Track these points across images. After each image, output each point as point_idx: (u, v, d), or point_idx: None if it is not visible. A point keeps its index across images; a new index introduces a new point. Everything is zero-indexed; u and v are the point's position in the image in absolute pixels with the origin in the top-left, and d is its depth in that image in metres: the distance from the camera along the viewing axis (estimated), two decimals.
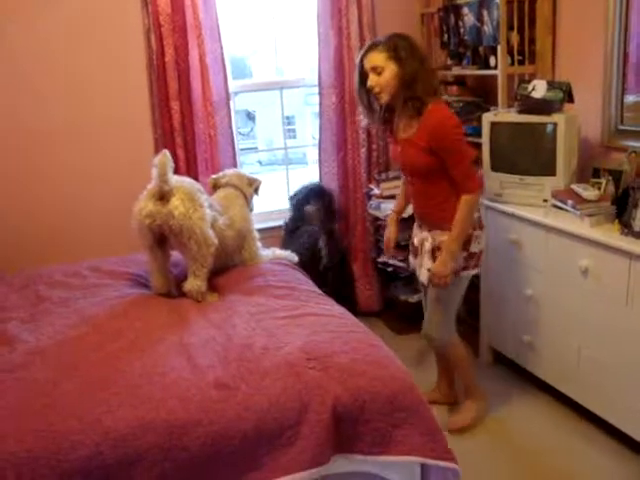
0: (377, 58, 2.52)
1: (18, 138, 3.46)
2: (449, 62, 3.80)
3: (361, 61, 2.59)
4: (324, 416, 1.83)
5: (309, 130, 10.84)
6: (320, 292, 2.70)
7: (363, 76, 2.59)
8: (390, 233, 2.99)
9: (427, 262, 2.67)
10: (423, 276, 2.71)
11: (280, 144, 10.89)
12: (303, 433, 1.82)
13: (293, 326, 2.24)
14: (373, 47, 2.56)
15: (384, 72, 2.51)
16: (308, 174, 4.52)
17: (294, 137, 11.53)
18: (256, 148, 11.78)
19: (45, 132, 3.50)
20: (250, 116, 11.81)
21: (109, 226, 3.62)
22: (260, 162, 10.71)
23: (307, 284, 2.77)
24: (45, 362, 2.10)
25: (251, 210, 3.18)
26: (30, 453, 1.66)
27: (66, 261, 3.25)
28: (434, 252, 2.65)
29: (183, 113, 3.55)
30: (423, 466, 2.00)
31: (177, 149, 3.54)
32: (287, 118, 10.49)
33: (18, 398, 1.88)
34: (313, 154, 4.21)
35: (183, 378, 1.95)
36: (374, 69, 2.53)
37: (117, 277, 2.92)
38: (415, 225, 2.85)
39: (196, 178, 3.56)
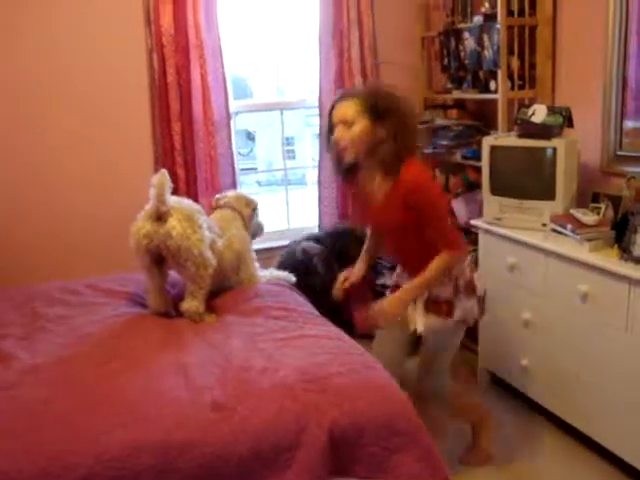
0: (348, 110, 2.25)
1: (19, 154, 3.47)
2: (449, 85, 3.82)
3: (332, 109, 2.34)
4: (321, 439, 1.81)
5: (309, 151, 10.89)
6: (317, 314, 2.69)
7: (332, 125, 2.33)
8: (356, 270, 2.68)
9: (421, 310, 2.43)
10: (419, 325, 2.42)
11: (279, 165, 10.95)
12: (299, 457, 1.80)
13: (290, 348, 2.23)
14: (347, 97, 2.32)
15: (354, 126, 2.24)
16: (307, 195, 4.53)
17: (294, 158, 11.57)
18: (255, 168, 11.83)
19: (46, 149, 3.50)
20: (250, 136, 11.87)
21: (108, 243, 3.61)
22: (259, 183, 10.74)
23: (305, 305, 2.76)
24: (40, 380, 2.08)
25: (261, 230, 3.20)
26: (22, 474, 1.64)
27: (62, 276, 3.24)
28: (427, 302, 2.42)
29: (184, 133, 3.56)
30: None
31: (177, 169, 3.55)
32: (287, 139, 10.56)
33: (11, 417, 1.86)
34: (312, 175, 4.22)
35: (179, 398, 1.93)
36: (343, 122, 2.26)
37: (115, 296, 2.90)
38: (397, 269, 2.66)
39: (196, 198, 3.57)
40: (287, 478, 1.79)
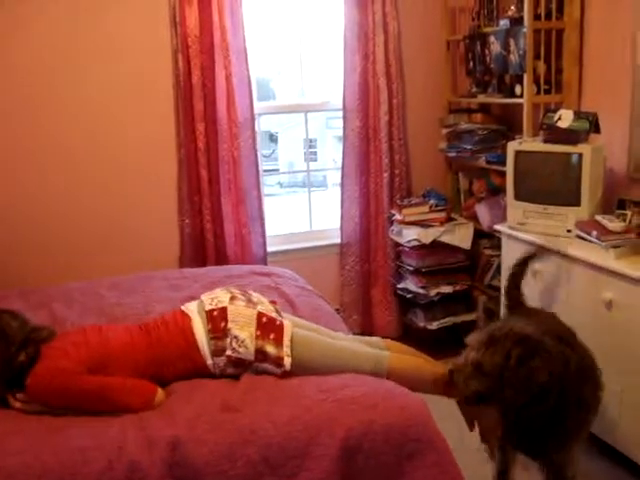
0: None
1: (41, 155, 3.50)
2: (474, 89, 3.80)
3: None
4: (332, 450, 1.80)
5: (330, 153, 10.90)
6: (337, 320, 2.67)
7: None
8: None
9: None
10: None
11: (301, 166, 10.92)
12: (307, 466, 1.79)
13: None
14: None
15: None
16: (328, 197, 4.53)
17: (315, 160, 11.60)
18: (277, 170, 11.85)
19: (70, 149, 3.53)
20: (272, 138, 11.90)
21: (131, 244, 3.65)
22: (281, 184, 10.77)
23: (326, 314, 2.72)
24: None
25: None
26: (45, 465, 1.68)
27: (85, 278, 3.25)
28: None
29: (208, 133, 3.58)
30: None
31: (200, 169, 3.57)
32: (309, 141, 10.58)
33: (36, 420, 1.90)
34: (334, 177, 4.23)
35: (191, 398, 1.95)
36: None
37: (135, 295, 2.91)
38: None
39: (218, 198, 3.59)
40: None
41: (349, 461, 1.81)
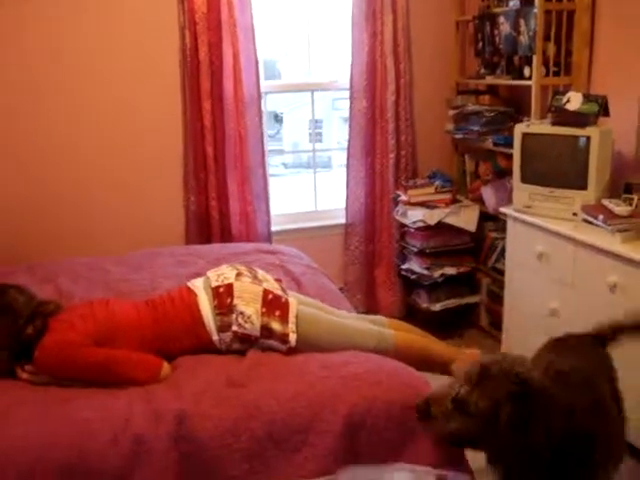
0: None
1: (46, 133, 3.50)
2: (482, 71, 3.77)
3: None
4: (335, 426, 1.82)
5: (335, 135, 10.85)
6: (341, 298, 2.68)
7: None
8: None
9: None
10: None
11: (306, 147, 10.88)
12: (311, 441, 1.81)
13: None
14: None
15: None
16: (333, 178, 4.52)
17: (320, 141, 11.55)
18: (282, 150, 11.81)
19: (76, 127, 3.53)
20: (277, 118, 11.84)
21: (137, 221, 3.65)
22: (285, 165, 10.73)
23: (331, 292, 2.73)
24: None
25: None
26: (51, 436, 1.70)
27: (91, 254, 3.26)
28: None
29: (214, 111, 3.56)
30: (439, 477, 1.97)
31: (207, 146, 3.56)
32: (313, 122, 10.53)
33: (43, 391, 1.92)
34: (339, 159, 4.22)
35: (196, 374, 1.96)
36: None
37: (142, 272, 2.92)
38: None
39: (224, 175, 3.59)
40: (296, 461, 1.80)
41: (352, 437, 1.83)
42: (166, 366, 2.02)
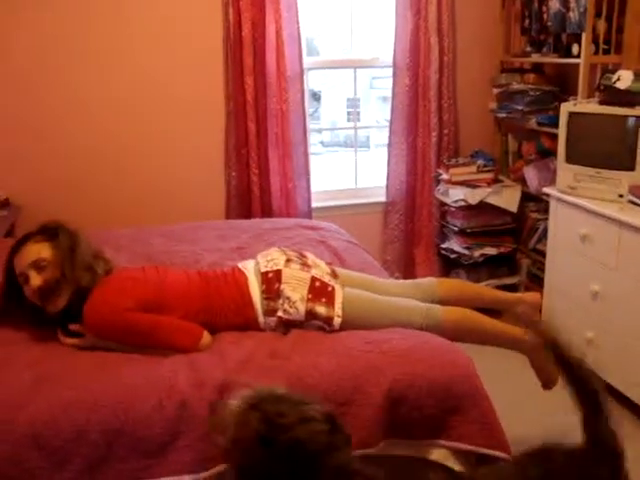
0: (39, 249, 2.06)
1: (90, 104, 3.54)
2: (528, 49, 3.71)
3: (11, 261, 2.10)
4: (377, 399, 1.83)
5: (373, 114, 10.80)
6: (383, 273, 2.68)
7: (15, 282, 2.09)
8: None
9: None
10: None
11: (343, 126, 10.81)
12: (352, 413, 1.82)
13: None
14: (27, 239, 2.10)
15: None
16: (370, 157, 4.50)
17: (358, 120, 11.48)
18: (320, 128, 11.79)
19: (119, 100, 3.56)
20: (315, 96, 11.82)
21: (178, 196, 3.70)
22: (322, 143, 10.73)
23: (373, 267, 2.73)
24: None
25: None
26: (98, 401, 1.74)
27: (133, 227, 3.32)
28: None
29: (257, 87, 3.57)
30: (478, 456, 1.98)
31: (248, 122, 3.57)
32: (352, 100, 10.46)
33: (90, 357, 1.97)
34: (377, 138, 4.20)
35: (240, 346, 1.99)
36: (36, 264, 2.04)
37: (184, 244, 2.95)
38: None
39: (266, 152, 3.61)
40: None
41: (393, 411, 1.84)
42: (206, 335, 2.05)
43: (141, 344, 2.00)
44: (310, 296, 2.12)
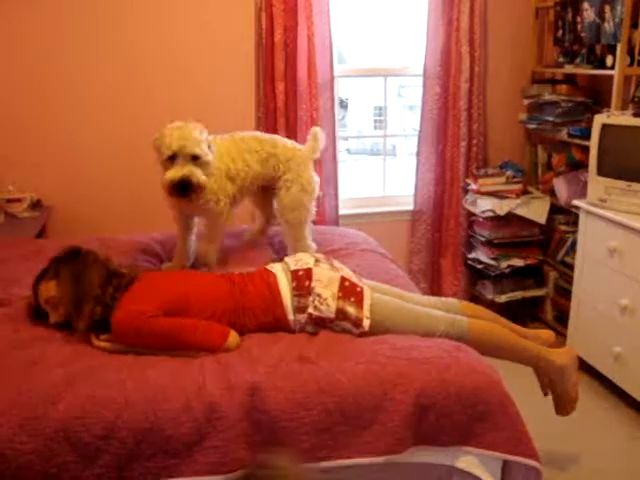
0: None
1: (126, 109, 3.59)
2: (561, 60, 3.69)
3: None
4: (404, 406, 1.83)
5: (400, 122, 10.80)
6: (409, 283, 2.68)
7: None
8: None
9: None
10: None
11: (369, 133, 10.84)
12: (380, 419, 1.82)
13: None
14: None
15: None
16: (397, 165, 4.50)
17: (383, 128, 11.47)
18: (347, 137, 11.81)
19: (146, 104, 3.59)
20: (342, 104, 11.85)
21: None
22: (349, 150, 10.74)
23: (399, 277, 2.73)
24: None
25: None
26: (129, 400, 1.76)
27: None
28: None
29: (287, 93, 3.59)
30: (505, 463, 1.97)
31: (278, 129, 3.59)
32: (379, 109, 10.46)
33: (121, 357, 1.99)
34: (404, 146, 4.20)
35: (268, 349, 2.00)
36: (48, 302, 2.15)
37: None
38: None
39: None
40: (365, 438, 1.82)
41: (421, 418, 1.84)
42: (234, 335, 2.06)
43: (169, 348, 2.02)
44: (340, 294, 2.13)
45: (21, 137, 3.51)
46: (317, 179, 2.83)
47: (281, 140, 2.85)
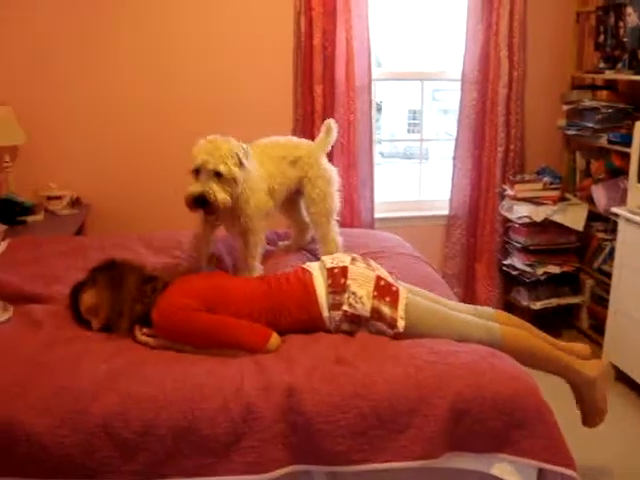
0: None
1: (166, 109, 3.65)
2: (601, 65, 3.64)
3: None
4: (441, 410, 1.82)
5: (433, 126, 10.74)
6: (446, 287, 2.67)
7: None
8: None
9: None
10: None
11: (402, 137, 10.83)
12: (416, 424, 1.82)
13: None
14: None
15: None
16: (431, 170, 4.48)
17: (418, 132, 11.43)
18: (380, 140, 11.78)
19: (190, 102, 3.65)
20: (377, 107, 11.85)
21: None
22: (382, 154, 10.74)
23: (435, 281, 2.72)
24: None
25: None
26: (168, 398, 1.78)
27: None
28: None
29: (325, 96, 3.61)
30: (540, 471, 1.95)
31: (315, 131, 3.60)
32: (413, 112, 10.41)
33: (161, 354, 2.02)
34: (436, 150, 4.18)
35: (307, 350, 2.01)
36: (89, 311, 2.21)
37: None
38: None
39: (331, 160, 3.62)
40: (401, 442, 1.81)
41: (457, 424, 1.83)
42: (275, 336, 2.07)
43: (210, 344, 2.04)
44: (375, 293, 2.13)
45: (63, 137, 3.59)
46: (335, 169, 2.93)
47: (297, 140, 2.92)
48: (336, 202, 2.88)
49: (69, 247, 2.93)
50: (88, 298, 2.20)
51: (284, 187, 2.76)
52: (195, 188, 2.35)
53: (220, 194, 2.35)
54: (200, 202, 2.35)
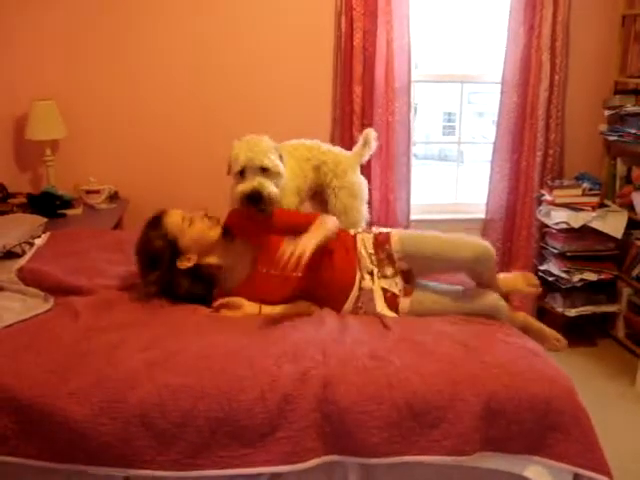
0: None
1: (204, 105, 3.69)
2: None
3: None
4: (475, 408, 1.81)
5: (468, 129, 10.66)
6: None
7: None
8: None
9: None
10: None
11: (436, 139, 10.83)
12: (449, 419, 1.81)
13: (456, 325, 2.24)
14: None
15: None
16: (465, 173, 4.45)
17: (452, 134, 11.36)
18: (415, 142, 11.70)
19: (229, 100, 3.69)
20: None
21: None
22: (416, 156, 10.70)
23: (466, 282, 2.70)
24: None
25: None
26: (205, 389, 1.80)
27: None
28: None
29: (364, 96, 3.61)
30: (575, 476, 1.92)
31: (354, 131, 3.61)
32: (448, 114, 10.34)
33: (200, 341, 2.04)
34: (470, 153, 4.14)
35: (340, 346, 2.01)
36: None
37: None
38: None
39: (368, 161, 3.62)
40: (433, 436, 1.81)
41: (491, 422, 1.82)
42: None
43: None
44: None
45: (102, 131, 3.66)
46: (365, 182, 2.85)
47: (325, 146, 2.83)
48: (363, 215, 2.81)
49: (107, 241, 2.97)
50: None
51: (306, 187, 2.74)
52: (246, 186, 2.35)
53: (271, 187, 2.36)
54: (254, 199, 2.36)
